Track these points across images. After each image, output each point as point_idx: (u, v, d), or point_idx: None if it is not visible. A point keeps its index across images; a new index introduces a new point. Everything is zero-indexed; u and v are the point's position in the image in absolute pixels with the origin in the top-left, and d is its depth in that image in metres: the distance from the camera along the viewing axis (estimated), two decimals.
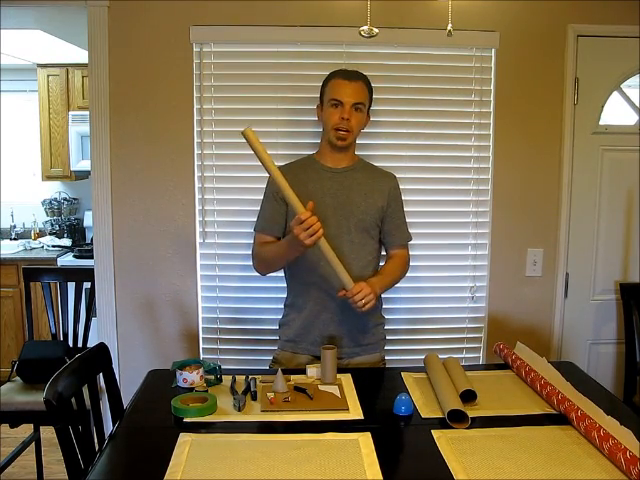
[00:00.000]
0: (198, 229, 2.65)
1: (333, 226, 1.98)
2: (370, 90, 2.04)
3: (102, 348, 1.81)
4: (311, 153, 2.15)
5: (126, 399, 1.78)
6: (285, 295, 2.17)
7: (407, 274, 2.18)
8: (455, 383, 1.72)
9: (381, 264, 2.14)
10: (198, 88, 2.56)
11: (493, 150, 2.64)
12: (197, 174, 2.61)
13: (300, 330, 2.06)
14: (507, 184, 2.66)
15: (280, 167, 2.10)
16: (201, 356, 2.68)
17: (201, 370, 1.81)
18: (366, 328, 2.08)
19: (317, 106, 2.08)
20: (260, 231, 2.07)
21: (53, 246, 4.29)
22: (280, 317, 2.18)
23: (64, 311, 2.82)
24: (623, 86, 2.68)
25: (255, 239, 2.08)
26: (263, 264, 2.07)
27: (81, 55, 3.38)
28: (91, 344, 1.94)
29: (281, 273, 2.17)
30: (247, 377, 1.84)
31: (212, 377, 1.84)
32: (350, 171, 2.06)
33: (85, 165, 4.08)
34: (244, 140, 1.78)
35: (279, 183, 1.80)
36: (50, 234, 4.49)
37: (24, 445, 2.67)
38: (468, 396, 1.67)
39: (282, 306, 2.18)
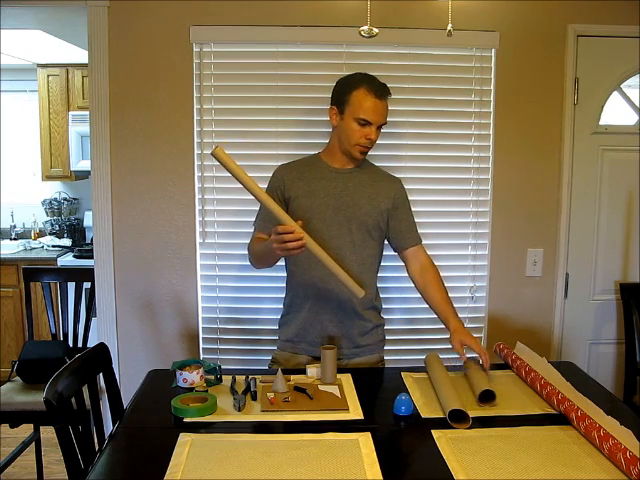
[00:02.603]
0: (198, 229, 2.65)
1: (334, 226, 1.98)
2: None
3: (102, 348, 1.81)
4: (316, 152, 2.11)
5: (126, 399, 1.78)
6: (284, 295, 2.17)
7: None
8: (475, 383, 1.73)
9: (383, 264, 2.14)
10: (198, 88, 2.56)
11: (493, 150, 2.64)
12: (197, 174, 2.61)
13: (299, 330, 2.06)
14: (507, 184, 2.66)
15: (284, 165, 2.10)
16: (201, 356, 2.68)
17: (201, 370, 1.81)
18: (365, 329, 2.07)
19: (331, 108, 1.98)
20: (257, 228, 2.08)
21: (53, 246, 4.29)
22: (280, 317, 2.18)
23: (64, 311, 2.82)
24: (623, 86, 2.68)
25: (253, 234, 2.09)
26: (254, 259, 2.08)
27: (81, 55, 3.38)
28: (91, 344, 1.94)
29: (282, 273, 2.17)
30: (247, 377, 1.84)
31: (212, 377, 1.84)
32: (355, 172, 2.04)
33: (85, 165, 4.08)
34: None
35: (262, 200, 1.79)
36: (50, 234, 4.49)
37: (24, 445, 2.67)
38: (487, 396, 1.67)
39: (282, 306, 2.18)
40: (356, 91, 1.91)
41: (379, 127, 1.95)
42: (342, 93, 1.95)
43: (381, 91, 1.92)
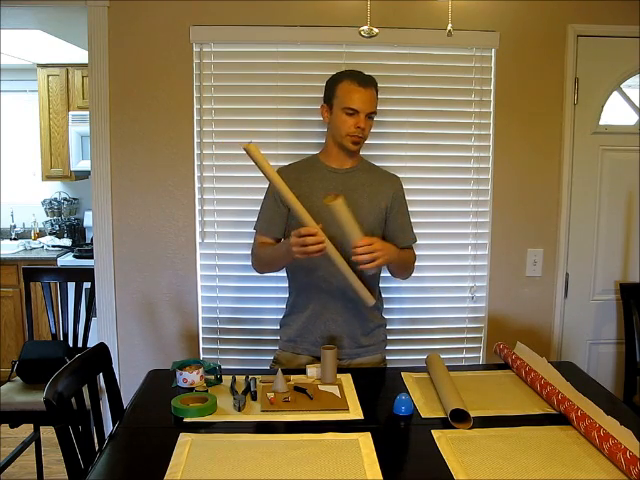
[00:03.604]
0: (198, 229, 2.65)
1: (336, 226, 1.98)
2: (377, 95, 2.01)
3: (102, 348, 1.81)
4: (314, 153, 2.13)
5: (126, 399, 1.78)
6: (286, 295, 2.17)
7: None
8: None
9: None
10: (198, 88, 2.56)
11: (493, 150, 2.64)
12: (197, 174, 2.61)
13: (301, 330, 2.06)
14: (507, 184, 2.66)
15: (283, 167, 2.11)
16: (201, 356, 2.68)
17: (201, 370, 1.81)
18: (367, 329, 2.07)
19: (322, 106, 2.02)
20: (259, 232, 2.07)
21: (53, 246, 4.29)
22: (280, 317, 2.18)
23: (64, 311, 2.82)
24: (623, 86, 2.68)
25: (255, 238, 2.09)
26: (260, 264, 2.08)
27: (81, 55, 3.38)
28: (91, 344, 1.94)
29: (282, 273, 2.16)
30: (247, 377, 1.84)
31: (212, 377, 1.84)
32: (354, 171, 2.05)
33: (85, 165, 4.08)
34: (245, 141, 1.77)
35: (288, 198, 1.80)
36: (50, 234, 4.49)
37: (24, 445, 2.67)
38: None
39: (282, 306, 2.18)
40: (341, 84, 1.96)
41: (368, 116, 1.96)
42: (329, 89, 2.00)
43: (364, 80, 1.95)
